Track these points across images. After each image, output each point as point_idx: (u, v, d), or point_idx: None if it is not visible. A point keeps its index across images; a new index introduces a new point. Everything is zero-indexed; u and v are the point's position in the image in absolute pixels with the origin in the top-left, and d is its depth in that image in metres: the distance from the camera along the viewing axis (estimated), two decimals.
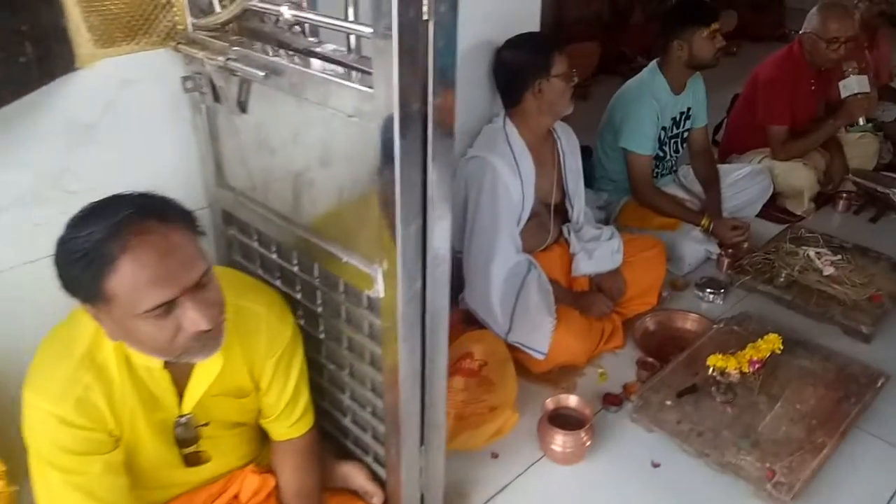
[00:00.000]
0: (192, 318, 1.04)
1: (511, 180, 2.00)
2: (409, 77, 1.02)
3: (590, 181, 2.88)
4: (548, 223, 2.20)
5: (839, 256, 2.48)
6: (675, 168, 2.89)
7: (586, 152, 2.91)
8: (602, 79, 5.10)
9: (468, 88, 2.07)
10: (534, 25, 2.19)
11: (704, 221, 2.60)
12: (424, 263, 1.20)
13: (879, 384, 1.95)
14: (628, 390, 2.00)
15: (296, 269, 1.46)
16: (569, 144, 2.19)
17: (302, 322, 1.52)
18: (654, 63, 2.66)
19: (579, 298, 2.14)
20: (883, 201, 2.99)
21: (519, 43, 1.97)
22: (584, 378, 2.09)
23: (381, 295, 1.22)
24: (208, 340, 1.10)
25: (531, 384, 2.04)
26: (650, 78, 2.62)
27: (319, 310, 1.47)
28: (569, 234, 2.23)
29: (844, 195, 3.09)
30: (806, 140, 3.02)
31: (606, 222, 2.76)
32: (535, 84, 1.95)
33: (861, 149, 3.23)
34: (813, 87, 3.06)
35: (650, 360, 2.06)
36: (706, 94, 2.80)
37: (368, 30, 1.02)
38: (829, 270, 2.37)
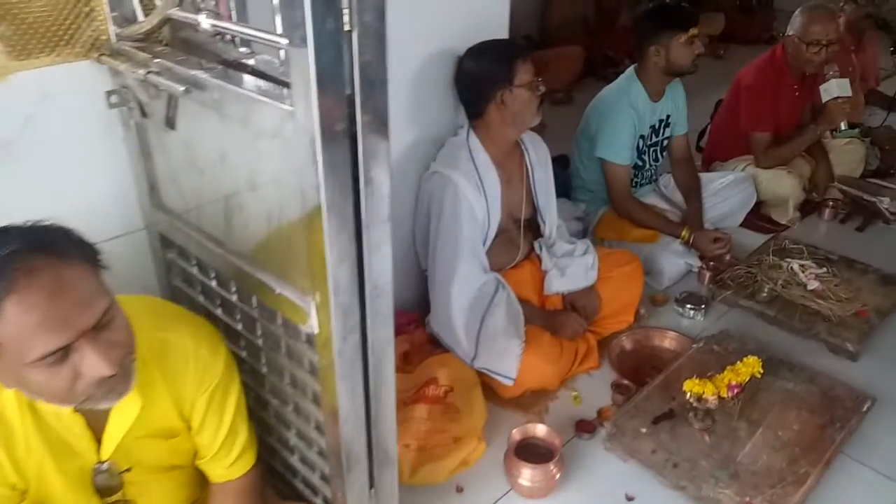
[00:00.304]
0: (92, 364, 0.92)
1: (474, 198, 1.89)
2: (332, 94, 0.91)
3: (567, 191, 2.79)
4: (517, 239, 2.10)
5: (824, 269, 2.38)
6: (654, 177, 2.79)
7: (564, 161, 2.82)
8: (587, 83, 5.01)
9: (433, 98, 1.97)
10: (502, 32, 2.09)
11: (684, 233, 2.50)
12: (363, 295, 1.09)
13: (865, 408, 1.85)
14: (602, 415, 1.90)
15: (234, 298, 1.35)
16: (538, 156, 2.08)
17: (244, 354, 1.41)
18: (630, 69, 2.56)
19: (551, 318, 2.04)
20: (870, 210, 2.90)
21: (480, 51, 1.87)
22: (558, 402, 1.98)
23: (316, 330, 1.12)
24: (115, 385, 0.98)
25: (501, 409, 1.93)
26: (627, 85, 2.52)
27: (260, 342, 1.36)
28: (540, 249, 2.13)
29: (831, 203, 2.99)
30: (789, 146, 2.93)
31: (584, 234, 2.67)
32: (497, 95, 1.84)
33: (847, 155, 3.14)
34: (797, 93, 2.97)
35: (625, 382, 1.96)
36: (686, 99, 2.70)
37: (285, 41, 0.92)
38: (813, 284, 2.28)
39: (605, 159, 2.51)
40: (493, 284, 1.95)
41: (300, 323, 1.16)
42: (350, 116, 0.94)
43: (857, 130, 3.26)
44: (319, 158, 0.93)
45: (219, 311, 1.42)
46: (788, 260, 2.43)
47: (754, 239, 2.80)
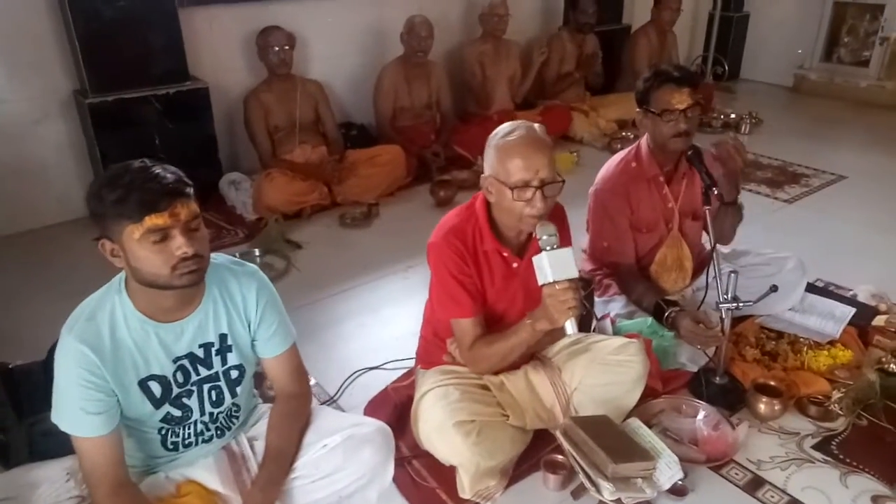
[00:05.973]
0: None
1: None
2: None
3: None
4: None
5: None
6: (221, 430, 1.70)
7: None
8: (418, 192, 3.97)
9: None
10: None
11: None
12: None
13: None
14: None
15: None
16: None
17: None
18: (121, 274, 1.51)
19: None
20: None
21: None
22: None
23: None
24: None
25: None
26: (98, 303, 1.46)
27: None
28: None
29: (558, 460, 1.83)
30: (497, 347, 1.80)
31: None
32: None
33: (617, 373, 1.93)
34: (514, 264, 1.85)
35: None
36: (271, 296, 1.63)
37: None
38: None
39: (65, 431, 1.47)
40: None
41: None
42: None
43: (650, 320, 2.09)
44: None
45: None
46: None
47: None
